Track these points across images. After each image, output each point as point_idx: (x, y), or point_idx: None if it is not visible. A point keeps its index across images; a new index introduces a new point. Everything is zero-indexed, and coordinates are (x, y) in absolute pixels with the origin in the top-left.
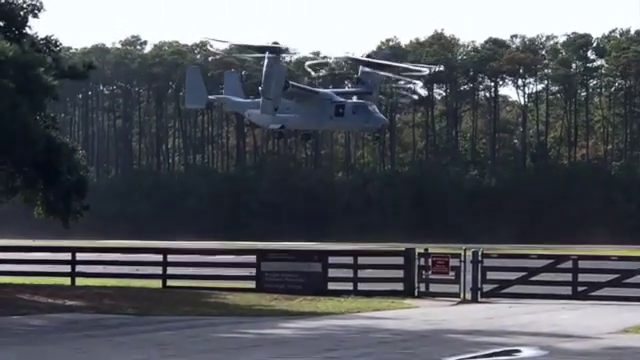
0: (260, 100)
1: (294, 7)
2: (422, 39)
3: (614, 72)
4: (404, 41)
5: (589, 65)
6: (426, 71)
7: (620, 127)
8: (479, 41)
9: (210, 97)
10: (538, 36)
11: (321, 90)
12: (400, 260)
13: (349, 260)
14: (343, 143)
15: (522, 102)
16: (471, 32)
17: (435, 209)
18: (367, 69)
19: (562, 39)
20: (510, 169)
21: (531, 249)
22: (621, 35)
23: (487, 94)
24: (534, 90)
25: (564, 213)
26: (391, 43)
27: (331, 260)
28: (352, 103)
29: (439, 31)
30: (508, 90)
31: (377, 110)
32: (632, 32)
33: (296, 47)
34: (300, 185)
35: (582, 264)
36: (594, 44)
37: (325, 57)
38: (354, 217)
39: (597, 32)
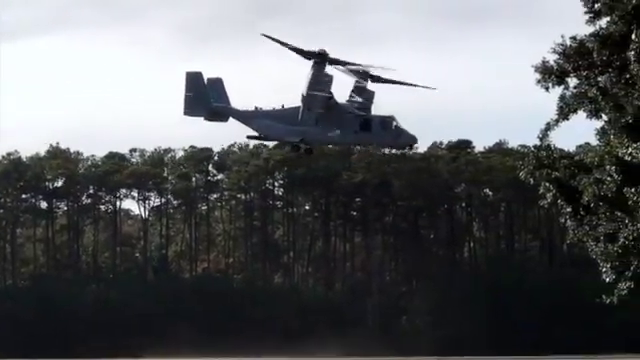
0: (267, 110)
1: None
2: (42, 153)
3: (235, 186)
4: (25, 154)
5: (210, 179)
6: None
7: (241, 240)
8: (99, 155)
9: (214, 105)
10: (156, 150)
11: (340, 102)
12: None
13: None
14: None
15: (144, 216)
16: (90, 146)
17: (60, 323)
18: (361, 84)
19: (181, 153)
20: (132, 283)
21: None
22: (240, 149)
23: (109, 208)
24: (155, 204)
25: (190, 327)
26: (12, 157)
27: None
28: (379, 117)
29: (57, 145)
30: (130, 204)
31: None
32: (251, 147)
33: None
34: None
35: None
36: (214, 158)
37: None
38: None
39: (217, 146)
